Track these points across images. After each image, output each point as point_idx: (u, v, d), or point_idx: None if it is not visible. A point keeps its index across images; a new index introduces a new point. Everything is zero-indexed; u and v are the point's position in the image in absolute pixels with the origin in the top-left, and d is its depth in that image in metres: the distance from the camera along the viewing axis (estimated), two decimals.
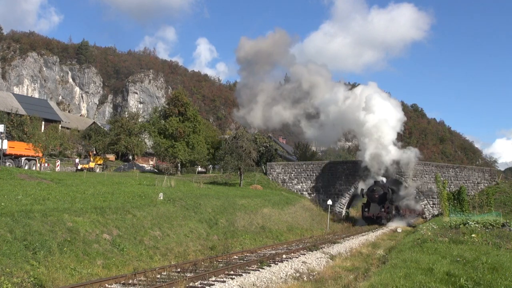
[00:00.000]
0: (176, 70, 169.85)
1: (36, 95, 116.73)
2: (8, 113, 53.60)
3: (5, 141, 36.03)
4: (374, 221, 40.23)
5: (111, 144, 57.80)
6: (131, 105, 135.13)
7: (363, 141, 43.40)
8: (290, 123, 62.56)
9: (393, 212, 42.68)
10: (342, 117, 50.08)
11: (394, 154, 42.24)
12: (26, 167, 36.74)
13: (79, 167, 46.29)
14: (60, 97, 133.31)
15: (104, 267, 14.05)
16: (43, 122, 59.42)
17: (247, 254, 18.41)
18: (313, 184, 45.73)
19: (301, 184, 46.28)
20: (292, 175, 47.03)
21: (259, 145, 51.58)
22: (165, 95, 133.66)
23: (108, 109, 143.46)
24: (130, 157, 63.33)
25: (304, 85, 57.26)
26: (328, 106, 51.93)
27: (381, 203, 40.99)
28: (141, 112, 76.08)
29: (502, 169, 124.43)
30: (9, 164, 35.31)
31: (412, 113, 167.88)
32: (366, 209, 41.58)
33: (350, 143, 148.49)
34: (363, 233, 30.29)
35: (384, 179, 43.74)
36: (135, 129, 58.53)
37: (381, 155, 41.17)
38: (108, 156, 57.79)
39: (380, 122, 41.63)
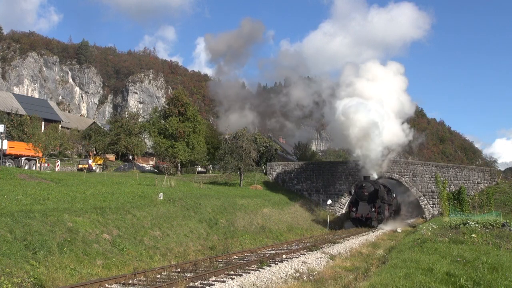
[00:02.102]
0: (176, 70, 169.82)
1: (36, 95, 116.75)
2: (8, 113, 53.66)
3: (5, 141, 36.03)
4: (363, 223, 35.15)
5: (111, 144, 57.81)
6: (131, 105, 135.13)
7: (346, 120, 36.88)
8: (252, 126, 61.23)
9: (386, 212, 37.35)
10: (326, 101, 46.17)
11: (388, 137, 37.19)
12: (26, 167, 36.73)
13: (94, 168, 46.22)
14: (60, 97, 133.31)
15: (104, 267, 14.04)
16: (43, 122, 59.43)
17: (247, 254, 18.40)
18: (313, 184, 45.72)
19: (301, 184, 46.26)
20: (292, 175, 47.03)
21: (259, 145, 51.59)
22: (165, 95, 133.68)
23: (108, 109, 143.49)
24: (130, 157, 63.33)
25: (277, 80, 56.35)
26: (305, 99, 49.05)
27: (371, 202, 35.40)
28: (141, 112, 76.11)
29: (502, 169, 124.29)
30: (9, 164, 35.31)
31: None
32: (354, 209, 35.87)
33: None
34: (363, 233, 30.28)
35: (376, 175, 39.73)
36: (135, 129, 58.55)
37: (371, 140, 35.60)
38: (108, 156, 57.79)
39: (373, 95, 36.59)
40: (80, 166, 46.73)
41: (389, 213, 39.00)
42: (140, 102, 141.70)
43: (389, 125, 39.22)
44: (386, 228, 35.37)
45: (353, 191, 37.71)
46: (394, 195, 42.13)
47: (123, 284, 12.12)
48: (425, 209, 42.22)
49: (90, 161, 47.99)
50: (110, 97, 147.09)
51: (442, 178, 39.93)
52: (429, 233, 20.09)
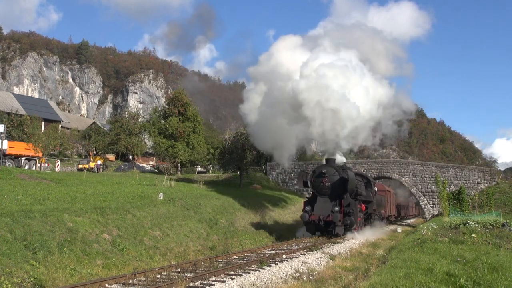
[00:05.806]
0: (176, 70, 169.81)
1: (36, 95, 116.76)
2: (8, 113, 53.66)
3: (5, 141, 36.01)
4: (321, 229, 23.19)
5: (111, 144, 57.83)
6: (131, 105, 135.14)
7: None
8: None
9: (360, 213, 25.57)
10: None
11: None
12: (26, 167, 36.71)
13: (100, 171, 46.26)
14: (60, 97, 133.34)
15: (104, 267, 14.04)
16: (43, 122, 59.42)
17: (247, 254, 18.38)
18: None
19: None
20: (292, 175, 47.01)
21: None
22: (165, 95, 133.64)
23: (108, 109, 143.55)
24: (130, 157, 63.34)
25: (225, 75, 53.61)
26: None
27: (335, 198, 23.34)
28: (141, 112, 76.13)
29: (502, 169, 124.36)
30: (9, 164, 35.29)
31: (412, 113, 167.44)
32: (308, 208, 23.47)
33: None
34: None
35: (344, 159, 28.59)
36: (135, 129, 58.55)
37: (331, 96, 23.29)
38: (108, 156, 57.78)
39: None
40: (81, 166, 46.65)
41: (366, 215, 28.06)
42: (140, 102, 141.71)
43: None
44: (359, 236, 24.58)
45: (308, 181, 24.53)
46: (376, 188, 31.61)
47: (123, 284, 12.10)
48: (425, 209, 42.24)
49: (98, 162, 48.04)
50: (110, 97, 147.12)
51: (442, 178, 39.98)
52: (429, 233, 20.07)
